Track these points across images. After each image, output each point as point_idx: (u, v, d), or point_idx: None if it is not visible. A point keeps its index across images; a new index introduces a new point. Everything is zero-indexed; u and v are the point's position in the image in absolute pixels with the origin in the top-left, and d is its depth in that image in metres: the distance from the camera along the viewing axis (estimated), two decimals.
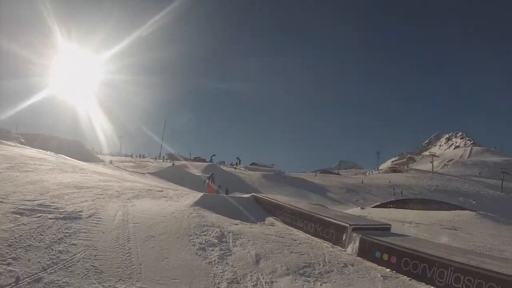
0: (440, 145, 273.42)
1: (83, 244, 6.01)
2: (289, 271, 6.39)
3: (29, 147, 26.64)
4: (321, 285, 6.02)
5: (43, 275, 4.69)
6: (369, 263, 7.31)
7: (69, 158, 24.80)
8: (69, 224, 6.82)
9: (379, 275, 6.64)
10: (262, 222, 10.47)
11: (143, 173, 42.85)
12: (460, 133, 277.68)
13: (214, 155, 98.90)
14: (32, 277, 4.58)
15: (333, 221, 9.22)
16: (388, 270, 6.97)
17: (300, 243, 8.29)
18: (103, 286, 4.69)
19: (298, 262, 6.89)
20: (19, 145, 27.67)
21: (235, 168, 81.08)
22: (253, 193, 14.33)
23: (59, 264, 5.08)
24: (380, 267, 7.12)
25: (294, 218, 10.47)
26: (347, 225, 8.64)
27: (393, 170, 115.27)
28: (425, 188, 75.97)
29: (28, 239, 5.73)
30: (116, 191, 11.20)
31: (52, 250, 5.53)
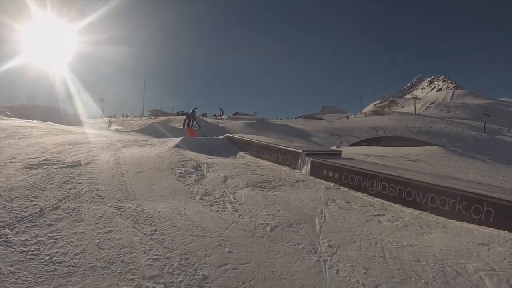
0: (422, 88, 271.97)
1: (86, 182, 7.42)
2: (248, 185, 7.98)
3: (17, 118, 27.32)
4: (272, 192, 7.60)
5: (60, 204, 6.00)
6: (317, 180, 8.90)
7: (56, 124, 25.95)
8: (72, 170, 8.19)
9: (323, 187, 8.24)
10: (234, 156, 12.01)
11: (128, 131, 43.84)
12: (442, 76, 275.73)
13: (196, 108, 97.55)
14: (51, 206, 5.87)
15: (290, 149, 10.82)
16: (332, 184, 8.54)
17: (263, 168, 9.86)
18: (107, 205, 6.08)
19: (257, 180, 8.47)
20: (6, 117, 28.38)
21: (218, 118, 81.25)
22: (227, 134, 15.82)
23: (70, 196, 6.44)
24: (326, 182, 8.69)
25: (260, 151, 12.03)
26: (301, 151, 10.19)
27: (376, 113, 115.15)
28: (408, 130, 76.95)
29: (41, 184, 7.04)
30: (106, 143, 12.62)
31: (63, 188, 6.89)
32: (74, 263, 4.09)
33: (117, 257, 4.27)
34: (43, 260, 4.11)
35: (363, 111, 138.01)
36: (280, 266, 4.28)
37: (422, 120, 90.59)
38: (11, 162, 8.69)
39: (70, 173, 7.98)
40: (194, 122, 24.25)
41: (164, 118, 75.77)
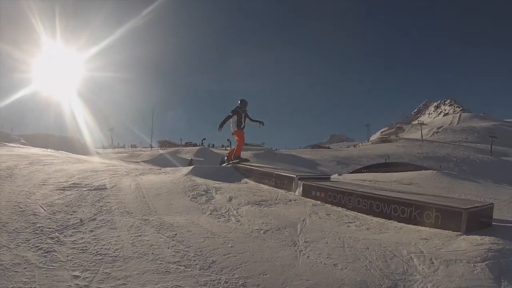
0: (429, 113, 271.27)
1: (115, 201, 8.70)
2: (249, 203, 9.26)
3: (32, 147, 28.36)
4: (268, 208, 8.92)
5: (96, 217, 7.32)
6: (307, 199, 10.13)
7: (70, 153, 26.75)
8: (100, 192, 9.46)
9: (310, 204, 9.50)
10: (238, 182, 13.29)
11: (137, 162, 44.52)
12: (448, 100, 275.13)
13: (204, 139, 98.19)
14: (89, 218, 7.19)
15: (286, 174, 12.16)
16: (319, 202, 9.79)
17: (262, 191, 11.12)
18: (135, 218, 7.43)
19: (257, 199, 9.74)
20: (21, 146, 29.40)
21: (226, 149, 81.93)
22: (225, 164, 17.25)
23: (103, 212, 7.75)
24: (314, 200, 9.92)
25: (261, 177, 13.36)
26: (294, 176, 11.52)
27: (383, 140, 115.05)
28: (414, 156, 76.51)
29: (76, 202, 8.37)
30: (125, 171, 13.87)
31: (95, 206, 8.19)
32: (116, 254, 5.48)
33: (148, 251, 5.68)
34: (91, 253, 5.49)
35: (370, 139, 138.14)
36: (267, 254, 5.71)
37: (429, 145, 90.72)
38: (44, 184, 9.99)
39: (99, 195, 9.26)
40: (248, 119, 16.06)
41: (173, 149, 76.92)
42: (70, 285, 4.53)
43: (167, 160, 52.12)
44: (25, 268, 4.92)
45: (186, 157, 57.31)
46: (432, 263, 5.35)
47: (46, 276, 4.72)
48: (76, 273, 4.84)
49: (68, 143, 50.40)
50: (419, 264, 5.35)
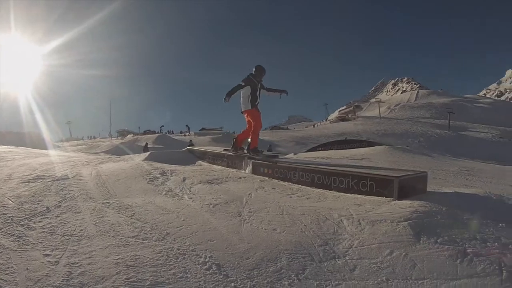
0: (387, 91, 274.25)
1: (77, 189, 9.29)
2: (201, 182, 9.93)
3: None
4: (219, 186, 9.58)
5: (61, 204, 7.91)
6: (256, 176, 10.77)
7: (30, 148, 27.61)
8: (63, 182, 10.05)
9: (258, 180, 10.13)
10: (193, 164, 13.94)
11: (97, 153, 44.71)
12: (406, 78, 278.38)
13: (162, 126, 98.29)
14: (55, 205, 7.77)
15: (237, 155, 12.82)
16: (266, 178, 10.42)
17: (215, 171, 11.74)
18: (96, 202, 8.05)
19: (209, 178, 10.37)
20: None
21: (185, 135, 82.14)
22: (188, 147, 17.89)
23: (67, 199, 8.34)
24: (262, 177, 10.55)
25: (215, 158, 13.96)
26: (245, 156, 12.20)
27: (341, 119, 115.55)
28: (373, 133, 77.03)
29: (42, 192, 8.92)
30: (85, 161, 14.48)
31: (60, 194, 8.77)
32: (81, 234, 6.15)
33: (110, 229, 6.37)
34: (59, 235, 6.14)
35: (329, 119, 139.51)
36: (216, 224, 6.48)
37: (387, 122, 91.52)
38: (9, 179, 10.50)
39: (62, 184, 9.86)
40: (264, 90, 11.62)
41: (131, 138, 77.12)
42: (43, 262, 5.14)
43: (126, 149, 52.15)
44: (1, 252, 5.50)
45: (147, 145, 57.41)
46: (360, 223, 6.08)
47: (21, 257, 5.31)
48: (47, 252, 5.46)
49: (27, 139, 50.18)
50: (348, 225, 6.08)
